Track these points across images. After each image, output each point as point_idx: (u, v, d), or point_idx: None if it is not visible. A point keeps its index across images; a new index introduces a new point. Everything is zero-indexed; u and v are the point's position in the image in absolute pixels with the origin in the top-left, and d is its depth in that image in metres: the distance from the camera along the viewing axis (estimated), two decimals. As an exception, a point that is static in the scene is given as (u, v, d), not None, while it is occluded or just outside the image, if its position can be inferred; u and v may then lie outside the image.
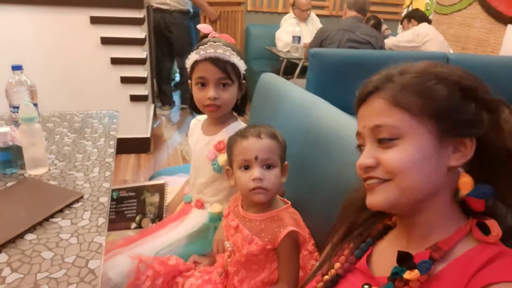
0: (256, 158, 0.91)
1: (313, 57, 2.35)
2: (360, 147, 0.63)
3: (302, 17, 3.78)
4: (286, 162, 0.98)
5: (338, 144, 1.03)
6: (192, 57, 1.09)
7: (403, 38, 3.30)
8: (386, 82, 0.59)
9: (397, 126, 0.56)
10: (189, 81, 1.16)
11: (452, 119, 0.55)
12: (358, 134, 0.63)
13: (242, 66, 1.11)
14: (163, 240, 1.14)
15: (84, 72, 2.61)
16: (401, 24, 3.66)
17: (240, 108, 1.20)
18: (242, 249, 0.93)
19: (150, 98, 3.23)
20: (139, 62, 2.68)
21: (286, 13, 4.21)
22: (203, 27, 1.15)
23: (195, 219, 1.19)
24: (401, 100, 0.56)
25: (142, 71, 2.72)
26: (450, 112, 0.54)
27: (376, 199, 0.59)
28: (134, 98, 2.75)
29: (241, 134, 0.95)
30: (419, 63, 0.60)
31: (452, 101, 0.55)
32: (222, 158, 1.12)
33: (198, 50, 1.08)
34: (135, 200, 1.29)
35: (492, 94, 0.57)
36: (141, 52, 2.68)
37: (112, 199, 1.31)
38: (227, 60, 1.07)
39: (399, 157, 0.55)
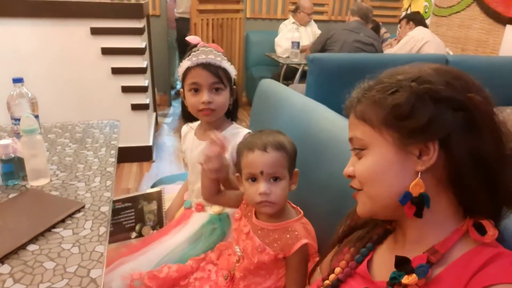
0: (261, 172, 0.91)
1: (312, 62, 2.35)
2: (354, 150, 0.66)
3: (305, 21, 3.81)
4: (296, 170, 0.97)
5: (338, 148, 1.03)
6: (184, 64, 1.12)
7: (401, 50, 3.30)
8: (358, 100, 0.62)
9: (362, 137, 0.60)
10: (181, 89, 1.18)
11: (406, 125, 0.55)
12: (350, 140, 0.65)
13: (232, 71, 1.14)
14: (167, 246, 1.14)
15: (85, 82, 2.63)
16: (399, 23, 3.65)
17: (232, 113, 1.21)
18: (253, 257, 0.94)
19: (151, 106, 3.25)
20: (140, 71, 2.70)
21: (285, 19, 4.24)
22: (192, 39, 1.19)
23: (197, 222, 1.20)
24: (364, 114, 0.60)
25: (142, 80, 2.74)
26: (402, 119, 0.55)
27: (358, 208, 0.63)
28: (136, 107, 2.77)
29: (247, 145, 0.94)
30: (390, 70, 0.62)
31: (403, 107, 0.55)
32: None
33: (190, 57, 1.10)
34: (132, 210, 1.29)
35: (473, 90, 0.55)
36: (141, 62, 2.70)
37: None
38: (219, 65, 1.10)
39: (364, 167, 0.59)
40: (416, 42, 3.18)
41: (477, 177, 0.54)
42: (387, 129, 0.57)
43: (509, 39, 3.31)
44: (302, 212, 0.99)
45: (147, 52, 3.00)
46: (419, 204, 0.55)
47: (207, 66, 1.08)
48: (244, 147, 0.95)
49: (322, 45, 3.14)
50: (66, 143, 1.37)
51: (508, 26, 3.33)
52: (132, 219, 1.29)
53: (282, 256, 0.92)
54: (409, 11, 4.65)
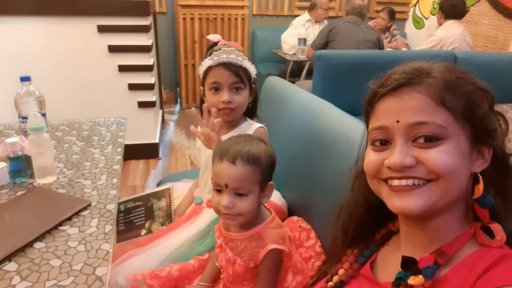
0: (226, 185, 0.87)
1: (319, 59, 2.34)
2: (375, 143, 0.59)
3: (323, 18, 3.80)
4: (270, 183, 0.93)
5: (344, 146, 1.02)
6: (206, 63, 1.12)
7: (427, 47, 3.13)
8: (423, 77, 0.55)
9: (445, 126, 0.53)
10: (201, 88, 1.19)
11: (483, 126, 0.55)
12: (382, 128, 0.57)
13: (253, 70, 1.15)
14: (175, 241, 1.15)
15: (92, 80, 2.64)
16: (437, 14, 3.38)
17: (251, 111, 1.22)
18: (228, 269, 0.93)
19: (158, 104, 3.25)
20: (147, 69, 2.70)
21: (291, 16, 4.21)
22: (212, 37, 1.19)
23: (206, 218, 1.20)
24: (447, 100, 0.54)
25: (149, 78, 2.75)
26: (482, 119, 0.55)
27: (413, 202, 0.54)
28: (142, 105, 2.78)
29: (219, 153, 0.90)
30: (443, 64, 0.58)
31: (484, 108, 0.55)
32: None
33: (211, 56, 1.11)
34: (142, 208, 1.31)
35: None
36: (148, 59, 2.70)
37: (120, 212, 1.33)
38: (240, 65, 1.10)
39: (445, 157, 0.53)
40: (443, 47, 3.02)
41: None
42: (468, 124, 0.55)
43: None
44: (273, 214, 0.96)
45: (153, 49, 3.00)
46: (489, 205, 0.55)
47: (228, 66, 1.09)
48: (217, 153, 0.91)
49: (325, 38, 3.17)
50: (73, 140, 1.38)
51: (518, 22, 3.29)
52: (142, 216, 1.30)
53: (253, 265, 0.90)
54: (417, 7, 4.60)
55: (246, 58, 1.13)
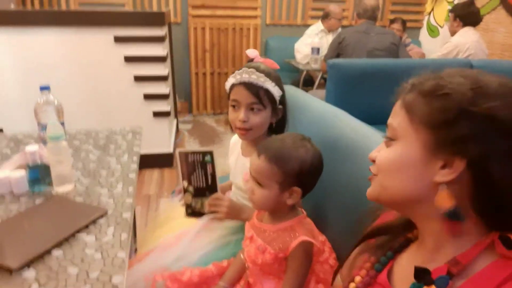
0: (250, 172, 0.98)
1: (332, 67, 2.34)
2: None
3: (336, 27, 3.80)
4: (295, 188, 0.95)
5: (358, 155, 1.02)
6: (230, 81, 1.15)
7: (442, 53, 3.08)
8: (412, 86, 0.59)
9: (396, 128, 0.58)
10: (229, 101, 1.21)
11: (444, 132, 0.52)
12: (388, 125, 0.63)
13: (276, 92, 1.14)
14: (199, 243, 1.16)
15: (109, 90, 2.69)
16: (449, 14, 3.30)
17: (277, 131, 1.21)
18: (256, 259, 0.96)
19: (172, 113, 3.29)
20: (162, 78, 2.74)
21: (304, 25, 4.22)
22: (250, 52, 1.22)
23: (231, 225, 1.21)
24: (410, 104, 0.57)
25: (164, 88, 2.78)
26: (443, 125, 0.52)
27: (368, 190, 0.63)
28: (157, 114, 2.81)
29: (261, 144, 1.00)
30: (455, 70, 0.57)
31: (448, 114, 0.51)
32: None
33: (235, 74, 1.14)
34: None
35: None
36: (163, 69, 2.74)
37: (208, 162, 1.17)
38: (261, 86, 1.11)
39: (386, 156, 0.59)
40: (459, 54, 2.99)
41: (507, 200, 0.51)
42: (424, 129, 0.54)
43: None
44: (304, 213, 1.01)
45: (168, 59, 3.05)
46: (452, 218, 0.53)
47: (248, 86, 1.11)
48: (260, 145, 1.00)
49: (336, 50, 3.13)
50: (90, 149, 1.40)
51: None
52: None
53: (282, 255, 0.93)
54: (431, 16, 4.57)
55: (270, 79, 1.12)
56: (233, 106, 1.15)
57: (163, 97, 2.79)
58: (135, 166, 1.27)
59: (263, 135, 1.19)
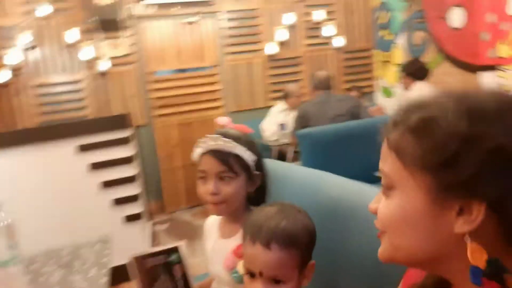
0: (260, 273, 0.77)
1: (303, 138, 2.33)
2: None
3: (297, 104, 3.91)
4: (311, 262, 0.81)
5: (355, 214, 0.91)
6: (197, 151, 1.03)
7: None
8: (395, 123, 0.49)
9: (389, 174, 0.49)
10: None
11: (445, 174, 0.43)
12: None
13: (248, 157, 1.03)
14: None
15: (74, 201, 2.52)
16: (400, 75, 3.49)
17: (257, 200, 1.07)
18: None
19: (145, 216, 3.10)
20: (131, 180, 2.62)
21: (267, 107, 4.34)
22: (221, 120, 1.15)
23: None
24: (397, 144, 0.47)
25: (134, 189, 2.65)
26: (441, 166, 0.43)
27: (380, 250, 0.52)
28: (129, 218, 2.63)
29: (250, 231, 0.80)
30: (445, 93, 0.49)
31: (444, 151, 0.43)
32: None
33: (201, 143, 1.03)
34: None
35: None
36: (132, 171, 2.64)
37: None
38: (228, 152, 1.00)
39: (387, 211, 0.49)
40: None
41: None
42: (422, 173, 0.44)
43: (486, 83, 3.40)
44: None
45: (136, 160, 2.96)
46: (495, 274, 0.41)
47: (215, 153, 1.00)
48: (247, 231, 0.81)
49: (300, 124, 3.16)
50: (50, 271, 1.20)
51: (478, 72, 3.46)
52: None
53: None
54: (382, 79, 4.85)
55: (240, 144, 1.02)
56: (202, 178, 1.02)
57: (134, 199, 2.64)
58: (105, 279, 1.09)
59: (242, 208, 1.05)
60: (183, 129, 4.21)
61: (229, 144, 1.00)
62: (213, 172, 1.00)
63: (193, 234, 3.47)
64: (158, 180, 4.21)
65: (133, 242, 2.66)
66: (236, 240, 1.00)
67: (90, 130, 2.53)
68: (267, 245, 0.75)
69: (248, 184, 1.04)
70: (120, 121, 2.61)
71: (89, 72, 3.89)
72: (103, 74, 3.93)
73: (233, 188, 1.00)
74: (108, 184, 2.56)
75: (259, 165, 1.06)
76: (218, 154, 0.99)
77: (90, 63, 3.87)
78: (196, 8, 4.12)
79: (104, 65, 3.86)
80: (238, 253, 0.97)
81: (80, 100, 3.88)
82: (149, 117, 4.16)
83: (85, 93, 3.89)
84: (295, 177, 1.24)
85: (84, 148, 2.50)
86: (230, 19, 4.31)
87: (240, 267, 0.95)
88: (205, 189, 1.01)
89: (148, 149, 4.14)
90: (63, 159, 2.49)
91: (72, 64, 3.86)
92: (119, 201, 2.60)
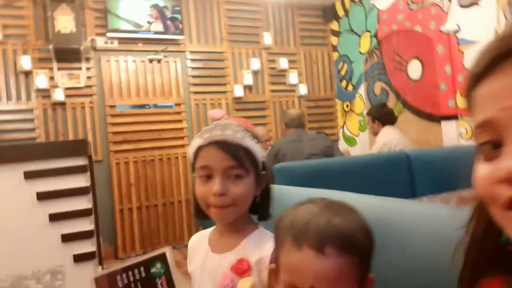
0: None
1: (280, 172, 2.22)
2: (483, 148, 0.39)
3: (267, 147, 3.83)
4: (371, 276, 0.62)
5: (381, 228, 0.78)
6: (195, 142, 0.85)
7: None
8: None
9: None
10: (193, 175, 0.89)
11: None
12: (486, 124, 0.38)
13: (259, 151, 0.86)
14: None
15: (17, 235, 2.15)
16: (367, 119, 3.52)
17: (261, 209, 0.89)
18: None
19: (97, 259, 2.75)
20: (84, 214, 2.32)
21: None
22: (215, 112, 0.98)
23: None
24: None
25: (87, 224, 2.34)
26: None
27: None
28: (79, 258, 2.28)
29: (292, 234, 0.60)
30: None
31: None
32: (247, 283, 0.77)
33: (201, 132, 0.85)
34: None
35: None
36: (86, 203, 2.34)
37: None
38: (238, 144, 0.82)
39: None
40: (390, 150, 3.10)
41: None
42: None
43: (448, 132, 3.54)
44: None
45: (90, 195, 2.67)
46: None
47: (222, 145, 0.81)
48: (286, 233, 0.62)
49: (273, 162, 3.07)
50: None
51: (442, 122, 3.60)
52: None
53: None
54: (345, 128, 4.96)
55: (250, 135, 0.85)
56: (202, 176, 0.83)
57: (86, 235, 2.32)
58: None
59: (245, 217, 0.87)
60: (142, 167, 3.96)
61: (239, 134, 0.83)
62: (220, 168, 0.81)
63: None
64: (111, 222, 3.85)
65: (84, 285, 2.30)
66: (234, 254, 0.83)
67: (39, 155, 2.25)
68: (320, 248, 0.56)
69: (256, 185, 0.87)
70: (76, 147, 2.36)
71: (43, 102, 3.62)
72: (58, 104, 3.67)
73: (244, 187, 0.82)
74: (57, 217, 2.24)
75: (264, 165, 0.90)
76: (226, 146, 0.82)
77: (45, 92, 3.62)
78: (162, 46, 4.07)
79: (60, 95, 3.62)
80: (239, 270, 0.79)
81: (31, 130, 3.57)
82: (106, 152, 3.89)
83: (37, 123, 3.59)
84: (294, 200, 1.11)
85: (30, 176, 2.20)
86: (196, 60, 4.29)
87: (244, 286, 0.77)
88: (207, 189, 0.82)
89: (102, 186, 3.81)
90: (5, 186, 2.17)
91: (26, 92, 3.58)
92: (69, 238, 2.26)
